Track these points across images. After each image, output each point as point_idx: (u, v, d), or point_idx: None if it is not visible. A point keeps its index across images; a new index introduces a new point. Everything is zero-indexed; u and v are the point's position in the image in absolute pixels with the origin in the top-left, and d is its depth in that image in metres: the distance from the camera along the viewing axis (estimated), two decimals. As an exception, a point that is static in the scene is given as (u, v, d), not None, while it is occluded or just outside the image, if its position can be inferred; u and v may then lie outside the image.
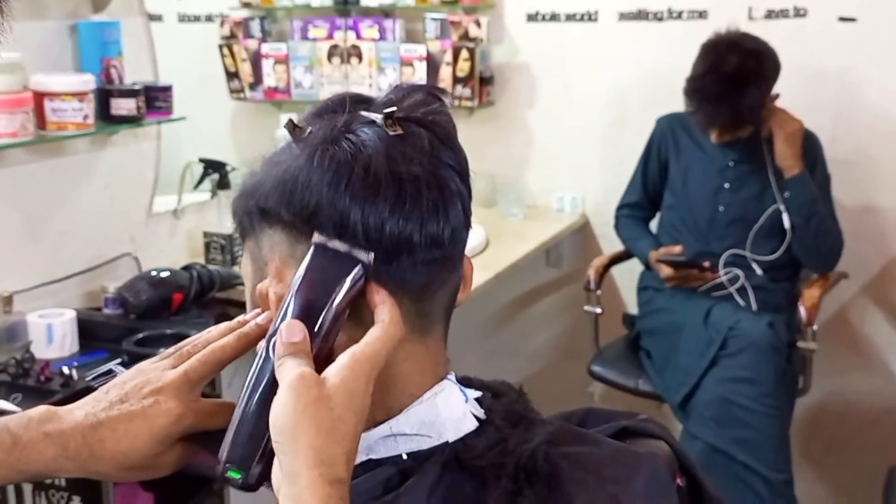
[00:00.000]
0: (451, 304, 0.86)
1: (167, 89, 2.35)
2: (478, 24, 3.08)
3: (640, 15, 3.07)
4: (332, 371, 0.70)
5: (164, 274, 2.27)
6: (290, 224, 0.78)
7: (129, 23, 2.44)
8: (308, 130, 0.81)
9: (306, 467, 0.66)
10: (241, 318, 0.86)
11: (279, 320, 0.74)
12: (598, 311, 2.88)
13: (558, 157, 3.26)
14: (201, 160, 2.52)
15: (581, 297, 2.93)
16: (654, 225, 2.94)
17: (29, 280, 2.23)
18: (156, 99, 2.31)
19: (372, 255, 0.75)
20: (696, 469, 0.93)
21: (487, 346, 3.45)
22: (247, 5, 3.38)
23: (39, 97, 2.07)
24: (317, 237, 0.75)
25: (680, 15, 3.03)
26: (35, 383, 1.91)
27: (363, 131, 0.79)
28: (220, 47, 3.38)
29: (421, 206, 0.77)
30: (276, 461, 0.69)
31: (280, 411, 0.68)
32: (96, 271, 2.39)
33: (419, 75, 3.17)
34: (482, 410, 0.86)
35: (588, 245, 3.26)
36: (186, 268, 2.33)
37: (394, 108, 0.80)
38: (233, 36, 3.36)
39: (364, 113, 0.82)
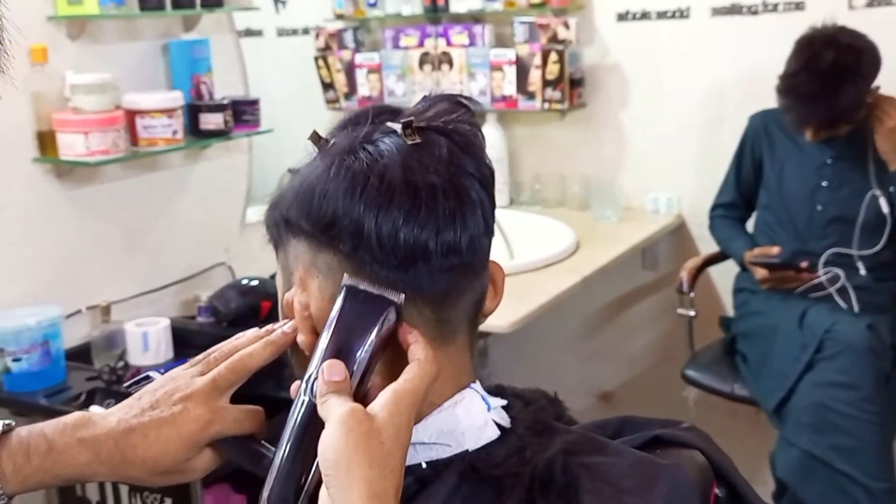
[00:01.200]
0: (474, 311, 0.85)
1: (254, 103, 2.41)
2: (566, 25, 3.06)
3: (734, 9, 2.99)
4: (378, 406, 0.71)
5: (254, 282, 2.33)
6: (311, 234, 0.80)
7: (219, 40, 2.52)
8: (332, 142, 0.83)
9: (359, 499, 0.66)
10: (269, 326, 0.88)
11: (317, 361, 0.75)
12: (692, 313, 2.81)
13: (652, 158, 3.20)
14: (290, 170, 2.57)
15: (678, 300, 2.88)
16: (750, 225, 2.86)
17: (127, 290, 2.33)
18: (243, 112, 2.38)
19: (403, 297, 0.76)
20: (736, 479, 0.90)
21: (586, 349, 3.42)
22: (340, 17, 3.44)
23: (132, 115, 2.16)
24: (347, 279, 0.76)
25: (775, 7, 2.94)
26: (126, 389, 1.99)
27: (383, 141, 0.80)
28: (316, 59, 3.46)
29: (437, 214, 0.77)
30: (322, 495, 0.70)
31: (331, 445, 0.68)
32: (191, 281, 2.48)
33: (509, 79, 3.17)
34: (508, 419, 0.85)
35: (685, 246, 3.19)
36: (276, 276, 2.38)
37: (412, 118, 0.81)
38: (327, 47, 3.44)
39: (388, 124, 0.83)
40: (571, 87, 3.13)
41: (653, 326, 3.31)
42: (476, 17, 3.29)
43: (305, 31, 3.61)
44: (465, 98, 0.88)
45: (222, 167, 2.57)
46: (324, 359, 0.74)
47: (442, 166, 0.79)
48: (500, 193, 3.31)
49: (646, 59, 3.15)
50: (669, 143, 3.16)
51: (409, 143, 0.80)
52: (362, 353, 0.75)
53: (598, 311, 3.38)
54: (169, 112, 2.17)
